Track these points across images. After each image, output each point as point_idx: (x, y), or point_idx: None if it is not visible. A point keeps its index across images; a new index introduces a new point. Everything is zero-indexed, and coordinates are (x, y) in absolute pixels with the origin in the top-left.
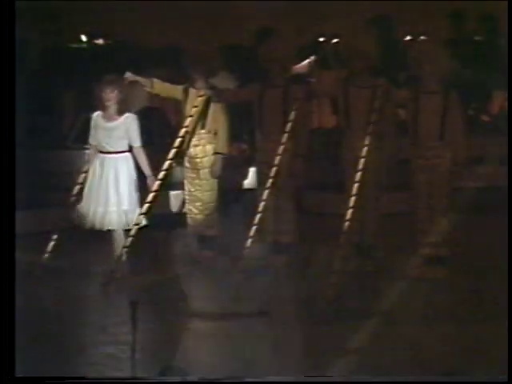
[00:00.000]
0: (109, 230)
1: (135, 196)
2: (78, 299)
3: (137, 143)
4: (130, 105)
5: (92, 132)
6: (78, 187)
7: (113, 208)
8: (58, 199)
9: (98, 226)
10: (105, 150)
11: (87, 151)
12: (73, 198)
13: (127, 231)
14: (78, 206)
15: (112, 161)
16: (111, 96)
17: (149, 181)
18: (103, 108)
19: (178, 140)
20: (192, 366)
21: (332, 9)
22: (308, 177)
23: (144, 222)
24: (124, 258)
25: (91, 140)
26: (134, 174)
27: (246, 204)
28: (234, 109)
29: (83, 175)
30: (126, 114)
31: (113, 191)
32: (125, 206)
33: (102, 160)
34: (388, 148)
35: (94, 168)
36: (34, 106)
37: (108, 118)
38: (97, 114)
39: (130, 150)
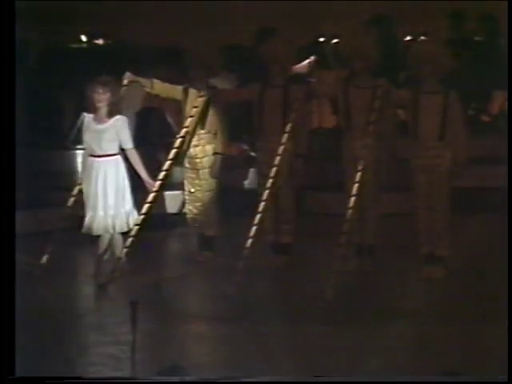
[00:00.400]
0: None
1: (125, 200)
2: (78, 299)
3: (129, 145)
4: (123, 106)
5: (83, 135)
6: (77, 188)
7: (100, 213)
8: (58, 199)
9: (86, 230)
10: (95, 154)
11: (82, 154)
12: (73, 198)
13: (126, 233)
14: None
15: (101, 164)
16: (103, 97)
17: (146, 184)
18: (94, 110)
19: (178, 140)
20: (191, 366)
21: (332, 9)
22: (308, 177)
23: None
24: (124, 258)
25: (83, 143)
26: (125, 178)
27: (246, 204)
28: (234, 109)
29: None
30: (117, 117)
31: (101, 196)
32: (112, 211)
33: (92, 163)
34: (388, 148)
35: (87, 172)
36: (33, 105)
37: (98, 121)
38: (87, 117)
39: (121, 152)
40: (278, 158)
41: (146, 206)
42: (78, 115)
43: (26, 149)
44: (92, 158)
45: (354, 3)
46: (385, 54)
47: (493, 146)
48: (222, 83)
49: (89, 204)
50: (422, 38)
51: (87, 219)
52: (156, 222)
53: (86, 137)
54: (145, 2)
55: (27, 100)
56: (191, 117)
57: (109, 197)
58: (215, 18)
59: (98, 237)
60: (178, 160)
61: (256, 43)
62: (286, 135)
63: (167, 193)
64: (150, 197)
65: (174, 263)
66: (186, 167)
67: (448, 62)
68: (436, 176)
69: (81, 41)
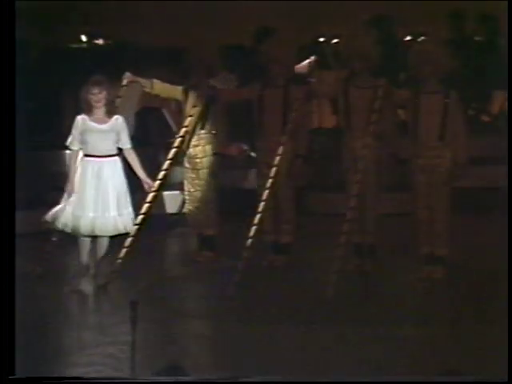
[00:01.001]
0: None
1: (127, 200)
2: (78, 299)
3: (128, 145)
4: (124, 107)
5: (77, 136)
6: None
7: (107, 214)
8: (58, 199)
9: (85, 232)
10: (97, 154)
11: (69, 156)
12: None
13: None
14: (65, 211)
15: (104, 165)
16: (100, 97)
17: (144, 184)
18: (90, 110)
19: (178, 140)
20: (191, 366)
21: (332, 9)
22: (308, 177)
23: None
24: (124, 258)
25: (75, 145)
26: (123, 178)
27: (246, 204)
28: (234, 109)
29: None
30: (116, 116)
31: (112, 197)
32: (114, 212)
33: (94, 164)
34: (388, 148)
35: (83, 173)
36: (33, 105)
37: (97, 121)
38: (82, 118)
39: (119, 153)
40: (277, 158)
41: (146, 205)
42: (77, 115)
43: (26, 149)
44: (92, 159)
45: (353, 3)
46: (385, 54)
47: (493, 146)
48: (221, 83)
49: (96, 206)
50: (422, 37)
51: (88, 221)
52: (156, 222)
53: (88, 138)
54: (145, 2)
55: (27, 100)
56: (191, 116)
57: (115, 198)
58: (215, 18)
59: (96, 237)
60: (177, 160)
61: (256, 43)
62: (286, 135)
63: (167, 193)
64: (150, 197)
65: (173, 263)
66: (186, 167)
67: (448, 62)
68: (436, 176)
69: (81, 41)
